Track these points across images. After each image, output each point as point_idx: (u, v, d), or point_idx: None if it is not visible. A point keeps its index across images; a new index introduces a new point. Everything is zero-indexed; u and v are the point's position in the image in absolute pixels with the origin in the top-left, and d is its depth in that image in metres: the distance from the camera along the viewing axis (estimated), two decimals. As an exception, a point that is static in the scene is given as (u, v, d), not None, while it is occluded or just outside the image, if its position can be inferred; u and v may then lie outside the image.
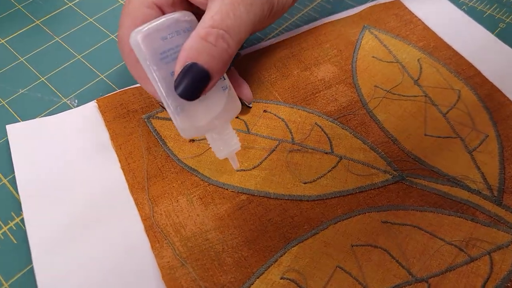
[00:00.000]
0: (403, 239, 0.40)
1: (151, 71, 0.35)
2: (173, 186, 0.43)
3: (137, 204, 0.42)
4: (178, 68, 0.34)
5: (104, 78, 0.52)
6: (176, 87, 0.34)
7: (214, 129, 0.38)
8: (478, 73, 0.51)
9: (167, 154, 0.45)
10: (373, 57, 0.53)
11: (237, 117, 0.47)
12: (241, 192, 0.42)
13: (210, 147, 0.41)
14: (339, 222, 0.41)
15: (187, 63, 0.34)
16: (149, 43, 0.35)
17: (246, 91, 0.46)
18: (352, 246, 0.39)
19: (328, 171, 0.44)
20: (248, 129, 0.46)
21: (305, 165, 0.44)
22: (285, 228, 0.40)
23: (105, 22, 0.57)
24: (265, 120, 0.47)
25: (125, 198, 0.42)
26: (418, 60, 0.52)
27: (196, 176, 0.43)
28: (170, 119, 0.47)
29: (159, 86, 0.35)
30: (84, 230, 0.40)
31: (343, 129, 0.47)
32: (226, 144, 0.39)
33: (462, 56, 0.53)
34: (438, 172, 0.44)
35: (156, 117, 0.47)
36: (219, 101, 0.37)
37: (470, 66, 0.52)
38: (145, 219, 0.41)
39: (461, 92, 0.49)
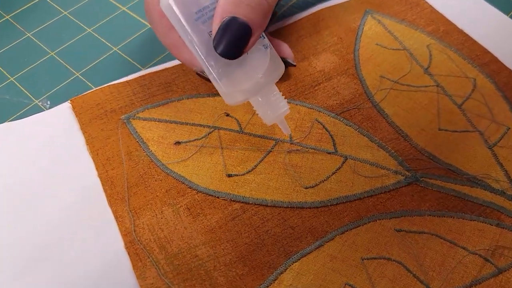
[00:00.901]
0: (420, 249, 0.35)
1: (187, 34, 0.32)
2: (157, 196, 0.38)
3: (116, 217, 0.37)
4: (215, 26, 0.31)
5: (80, 76, 0.46)
6: (216, 47, 0.32)
7: (259, 92, 0.35)
8: (494, 59, 0.46)
9: (149, 159, 0.40)
10: (377, 44, 0.47)
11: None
12: (234, 201, 0.37)
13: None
14: (347, 232, 0.36)
15: (225, 18, 0.31)
16: (182, 4, 0.32)
17: (286, 49, 0.44)
18: (363, 260, 0.34)
19: (332, 174, 0.39)
20: (240, 128, 0.41)
21: (306, 167, 0.39)
22: (285, 240, 0.35)
23: (81, 15, 0.52)
24: (259, 118, 0.42)
25: (102, 210, 0.38)
26: (427, 46, 0.47)
27: (183, 183, 0.38)
28: (152, 119, 0.42)
29: (197, 49, 0.33)
30: (56, 248, 0.36)
31: (347, 125, 0.42)
32: (273, 108, 0.35)
33: (476, 41, 0.47)
34: (455, 171, 0.39)
35: (136, 117, 0.42)
36: (262, 60, 0.34)
37: (485, 51, 0.47)
38: (125, 234, 0.36)
39: (477, 81, 0.44)
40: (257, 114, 0.36)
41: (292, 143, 0.40)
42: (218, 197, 0.38)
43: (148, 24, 0.51)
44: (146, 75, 0.45)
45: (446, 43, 0.47)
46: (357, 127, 0.41)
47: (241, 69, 0.33)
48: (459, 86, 0.44)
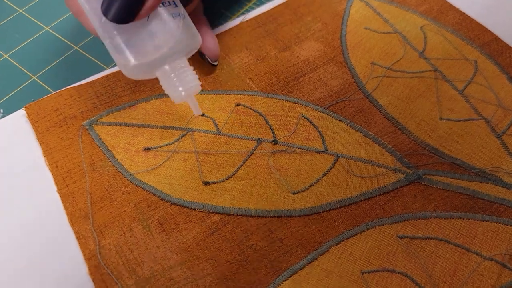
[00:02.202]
0: (427, 257, 0.30)
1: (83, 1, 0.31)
2: (125, 211, 0.33)
3: (78, 238, 0.32)
4: None
5: (37, 79, 0.41)
6: (105, 11, 0.29)
7: (164, 65, 0.31)
8: (495, 38, 0.42)
9: (115, 169, 0.35)
10: (366, 28, 0.43)
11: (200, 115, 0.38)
12: (212, 212, 0.33)
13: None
14: (343, 242, 0.31)
15: None
16: None
17: (211, 44, 0.39)
18: (363, 273, 0.30)
19: (323, 175, 0.34)
20: (217, 129, 0.37)
21: (293, 169, 0.34)
22: (273, 255, 0.31)
23: (38, 12, 0.47)
24: (239, 116, 0.37)
25: (63, 230, 0.33)
26: (421, 28, 0.43)
27: (154, 195, 0.34)
28: (118, 124, 0.37)
29: (92, 16, 0.31)
30: (9, 278, 0.31)
31: (337, 120, 0.37)
32: (182, 83, 0.32)
33: (474, 20, 0.43)
34: (462, 165, 0.34)
35: (100, 122, 0.37)
36: (170, 30, 0.31)
37: (485, 30, 0.42)
38: (89, 257, 0.31)
39: (478, 63, 0.40)
40: (165, 91, 0.33)
41: (276, 143, 0.36)
42: (194, 209, 0.33)
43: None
44: (110, 74, 0.40)
45: (441, 24, 0.43)
46: (349, 121, 0.37)
47: (144, 37, 0.31)
48: (459, 69, 0.40)
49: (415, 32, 0.42)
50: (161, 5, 0.31)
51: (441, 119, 0.37)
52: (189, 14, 0.34)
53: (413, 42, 0.42)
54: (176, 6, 0.32)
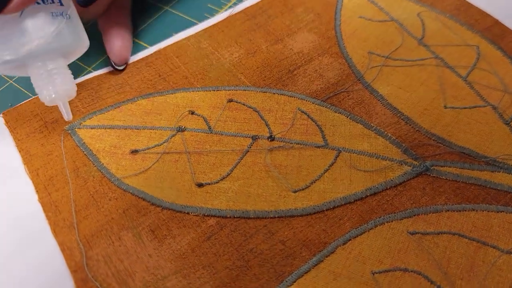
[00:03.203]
0: (441, 253, 0.28)
1: None
2: (113, 218, 0.30)
3: (63, 250, 0.29)
4: None
5: (14, 84, 0.39)
6: None
7: (37, 59, 0.31)
8: (495, 22, 0.40)
9: (101, 175, 0.32)
10: (361, 17, 0.41)
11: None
12: (207, 215, 0.30)
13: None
14: (350, 241, 0.29)
15: None
16: None
17: (115, 48, 0.37)
18: (373, 274, 0.28)
19: (325, 171, 0.32)
20: (209, 127, 0.34)
21: (292, 166, 0.32)
22: (276, 259, 0.28)
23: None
24: (231, 113, 0.35)
25: (45, 242, 0.31)
26: (418, 15, 0.41)
27: (144, 200, 0.31)
28: (102, 127, 0.35)
29: None
30: None
31: (336, 112, 0.35)
32: (54, 82, 0.31)
33: (472, 4, 0.41)
34: (471, 154, 0.32)
35: (83, 126, 0.35)
36: (42, 28, 0.30)
37: (485, 15, 0.40)
38: (75, 270, 0.29)
39: (480, 48, 0.38)
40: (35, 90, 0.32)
41: (272, 140, 0.34)
42: (188, 213, 0.31)
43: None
44: (93, 78, 0.38)
45: (439, 10, 0.41)
46: (349, 113, 0.35)
47: (14, 35, 0.30)
48: (460, 55, 0.38)
49: (412, 19, 0.41)
50: (40, 2, 0.30)
51: (445, 107, 0.35)
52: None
53: (410, 30, 0.40)
54: (62, 5, 0.31)
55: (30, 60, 0.31)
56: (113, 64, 0.38)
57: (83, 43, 0.33)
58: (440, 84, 0.36)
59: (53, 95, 0.31)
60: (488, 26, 0.40)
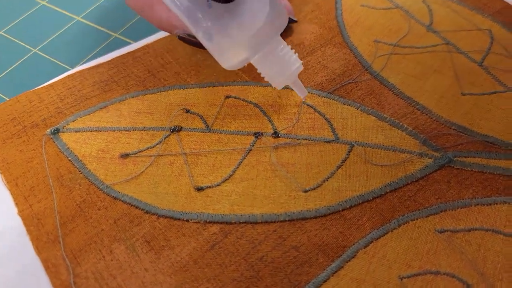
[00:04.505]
0: (475, 252, 0.25)
1: None
2: (103, 230, 0.27)
3: (47, 268, 0.26)
4: None
5: (-13, 87, 0.35)
6: None
7: (263, 47, 0.28)
8: (506, 6, 0.38)
9: (88, 182, 0.29)
10: (363, 5, 0.38)
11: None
12: (209, 222, 0.27)
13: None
14: (372, 244, 0.26)
15: None
16: None
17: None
18: (402, 279, 0.24)
19: (338, 168, 0.29)
20: (207, 126, 0.31)
21: (301, 164, 0.29)
22: (289, 267, 0.25)
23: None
24: (230, 109, 0.32)
25: (27, 259, 0.27)
26: (424, 1, 0.38)
27: (137, 207, 0.28)
28: (88, 129, 0.31)
29: (181, 9, 0.27)
30: None
31: (345, 104, 0.32)
32: (283, 65, 0.28)
33: (479, -11, 0.39)
34: (496, 142, 0.29)
35: (66, 129, 0.31)
36: (259, 6, 0.27)
37: (494, -2, 0.38)
38: (61, 290, 0.25)
39: (493, 32, 0.36)
40: (263, 76, 0.29)
41: (277, 136, 0.30)
42: (187, 220, 0.27)
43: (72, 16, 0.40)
44: (75, 73, 0.34)
45: (445, -5, 0.39)
46: (359, 105, 0.32)
47: (236, 20, 0.26)
48: (473, 40, 0.35)
49: (418, 5, 0.38)
50: None
51: (463, 94, 0.32)
52: None
53: (417, 16, 0.37)
54: None
55: (255, 45, 0.27)
56: (292, 17, 0.35)
57: (285, 12, 0.28)
58: (455, 71, 0.33)
59: (284, 77, 0.29)
60: (498, 9, 0.37)
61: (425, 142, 0.29)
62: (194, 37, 0.28)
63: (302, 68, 0.29)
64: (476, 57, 0.34)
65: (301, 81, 0.30)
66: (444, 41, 0.35)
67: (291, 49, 0.29)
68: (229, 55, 0.27)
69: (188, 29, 0.28)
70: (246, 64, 0.29)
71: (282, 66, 0.28)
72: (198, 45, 0.28)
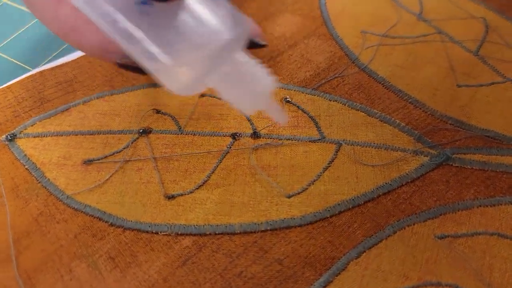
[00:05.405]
0: (480, 260, 0.22)
1: None
2: (62, 246, 0.24)
3: (-3, 292, 0.23)
4: None
5: None
6: None
7: (222, 63, 0.21)
8: (501, -8, 0.35)
9: (47, 192, 0.26)
10: (348, -5, 0.36)
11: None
12: (181, 234, 0.24)
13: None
14: (364, 254, 0.23)
15: None
16: None
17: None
18: (399, 293, 0.21)
19: (324, 169, 0.26)
20: (179, 127, 0.28)
21: (284, 166, 0.26)
22: (272, 283, 0.22)
23: None
24: (205, 109, 0.29)
25: (-25, 284, 0.23)
26: (413, -11, 0.36)
27: (100, 220, 0.25)
28: (48, 134, 0.28)
29: (110, 14, 0.20)
30: None
31: (331, 100, 0.29)
32: (250, 85, 0.21)
33: (471, -25, 0.36)
34: (496, 137, 0.27)
35: (24, 134, 0.28)
36: (215, 14, 0.20)
37: (487, -15, 0.36)
38: (13, 317, 0.22)
39: (487, 20, 0.33)
40: (226, 101, 0.22)
41: (257, 137, 0.28)
42: (156, 233, 0.24)
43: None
44: (35, 74, 0.31)
45: (435, -17, 0.36)
46: (346, 100, 0.29)
47: (184, 31, 0.20)
48: (467, 29, 0.33)
49: (406, -6, 0.35)
50: None
51: (459, 86, 0.29)
52: None
53: (406, 5, 0.35)
54: None
55: (214, 62, 0.21)
56: (258, 42, 0.27)
57: (248, 22, 0.22)
58: (449, 61, 0.31)
59: (255, 100, 0.22)
60: (493, -4, 0.35)
61: (420, 139, 0.27)
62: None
63: (275, 85, 0.22)
64: (471, 46, 0.32)
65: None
66: (436, 30, 0.33)
67: (259, 63, 0.22)
68: (179, 77, 0.21)
69: (125, 51, 0.21)
70: (204, 88, 0.22)
71: (249, 86, 0.22)
72: (140, 69, 0.22)
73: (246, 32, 0.21)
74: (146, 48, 0.20)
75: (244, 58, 0.21)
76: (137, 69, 0.24)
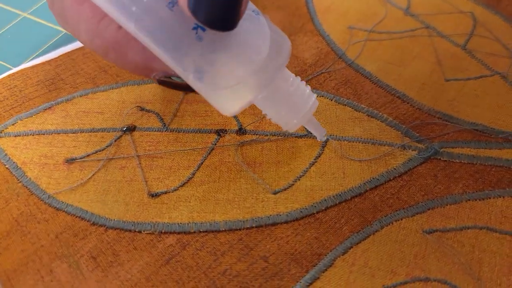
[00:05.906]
0: (469, 254, 0.22)
1: (132, 15, 0.19)
2: (42, 246, 0.23)
3: (-24, 295, 0.22)
4: None
5: None
6: (195, 12, 0.18)
7: (268, 83, 0.21)
8: (488, -13, 0.35)
9: (28, 192, 0.25)
10: (335, -9, 0.35)
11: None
12: (165, 232, 0.23)
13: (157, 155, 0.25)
14: (352, 250, 0.22)
15: None
16: None
17: None
18: (386, 289, 0.21)
19: (311, 165, 0.25)
20: (163, 124, 0.28)
21: (270, 162, 0.26)
22: (257, 281, 0.22)
23: None
24: (190, 106, 0.29)
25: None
26: (400, -16, 0.35)
27: (82, 219, 0.24)
28: (30, 133, 0.28)
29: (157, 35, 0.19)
30: None
31: (318, 96, 0.29)
32: (295, 103, 0.22)
33: (458, -30, 0.36)
34: (485, 130, 0.26)
35: (4, 133, 0.28)
36: (259, 32, 0.20)
37: (474, -21, 0.35)
38: (-9, 320, 0.21)
39: (475, 14, 0.33)
40: (269, 119, 0.22)
41: (242, 133, 0.27)
42: (139, 232, 0.24)
43: (56, 21, 0.36)
44: (17, 72, 0.31)
45: (422, -22, 0.36)
46: (333, 96, 0.29)
47: (232, 53, 0.20)
48: (454, 23, 0.32)
49: (394, -11, 0.35)
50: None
51: (446, 80, 0.29)
52: None
53: (394, 0, 0.34)
54: None
55: (260, 82, 0.21)
56: None
57: (287, 39, 0.22)
58: (437, 56, 0.30)
59: (300, 118, 0.22)
60: (480, -9, 0.35)
61: (408, 133, 0.26)
62: (178, 77, 0.22)
63: (317, 103, 0.23)
64: (459, 40, 0.31)
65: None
66: (424, 25, 0.32)
67: (301, 81, 0.22)
68: (227, 97, 0.21)
69: (170, 70, 0.21)
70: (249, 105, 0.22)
71: (294, 104, 0.22)
72: (184, 87, 0.22)
73: (288, 49, 0.21)
74: (197, 68, 0.20)
75: (288, 77, 0.21)
76: (179, 86, 0.24)
